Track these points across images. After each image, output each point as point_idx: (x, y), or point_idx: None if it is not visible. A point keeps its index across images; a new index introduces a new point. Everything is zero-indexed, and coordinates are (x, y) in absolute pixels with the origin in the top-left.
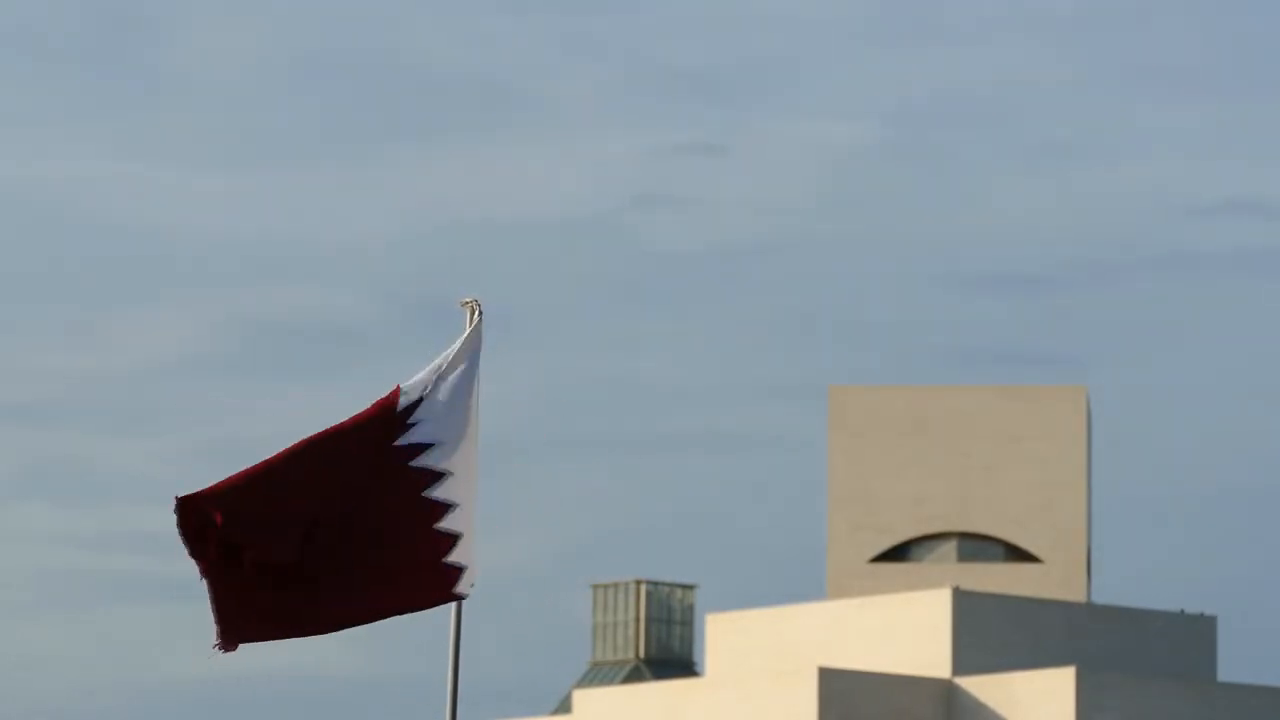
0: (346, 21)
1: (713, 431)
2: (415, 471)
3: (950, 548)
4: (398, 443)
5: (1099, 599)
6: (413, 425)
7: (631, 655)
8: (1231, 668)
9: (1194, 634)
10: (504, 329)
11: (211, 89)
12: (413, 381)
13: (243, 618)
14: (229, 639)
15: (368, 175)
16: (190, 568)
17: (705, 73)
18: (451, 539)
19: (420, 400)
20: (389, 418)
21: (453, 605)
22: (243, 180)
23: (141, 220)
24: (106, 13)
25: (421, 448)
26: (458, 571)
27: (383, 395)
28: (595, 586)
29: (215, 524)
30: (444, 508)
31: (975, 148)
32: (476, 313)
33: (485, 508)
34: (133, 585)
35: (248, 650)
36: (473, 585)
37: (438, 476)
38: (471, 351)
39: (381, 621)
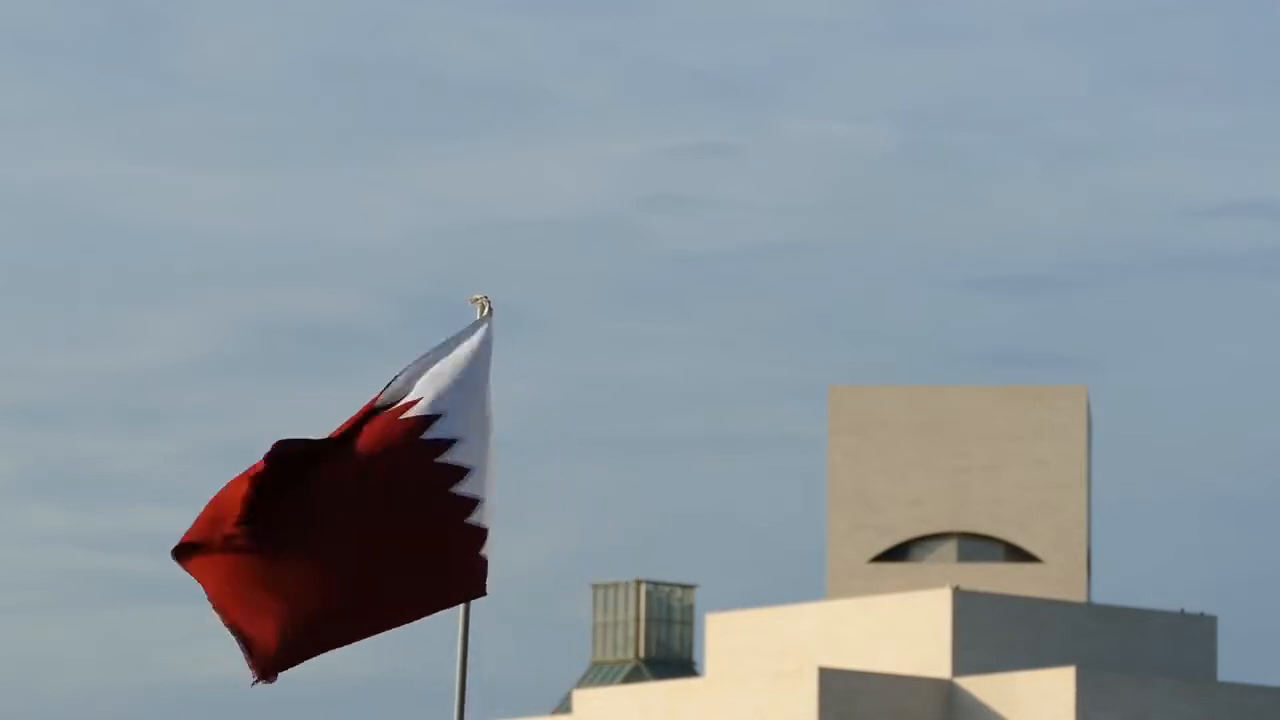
0: (358, 24)
1: (714, 432)
2: (443, 467)
3: (950, 548)
4: (425, 436)
5: (1099, 599)
6: (436, 418)
7: (631, 655)
8: (1231, 668)
9: (1194, 634)
10: (513, 329)
11: (224, 91)
12: (424, 377)
13: (275, 647)
14: (267, 671)
15: (379, 176)
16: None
17: (717, 74)
18: (481, 533)
19: (437, 394)
20: (407, 411)
21: (460, 605)
22: (253, 182)
23: (152, 221)
24: (118, 14)
25: (447, 443)
26: (486, 565)
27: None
28: (595, 586)
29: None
30: (472, 502)
31: (985, 150)
32: (487, 309)
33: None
34: (140, 586)
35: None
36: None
37: (464, 471)
38: (484, 347)
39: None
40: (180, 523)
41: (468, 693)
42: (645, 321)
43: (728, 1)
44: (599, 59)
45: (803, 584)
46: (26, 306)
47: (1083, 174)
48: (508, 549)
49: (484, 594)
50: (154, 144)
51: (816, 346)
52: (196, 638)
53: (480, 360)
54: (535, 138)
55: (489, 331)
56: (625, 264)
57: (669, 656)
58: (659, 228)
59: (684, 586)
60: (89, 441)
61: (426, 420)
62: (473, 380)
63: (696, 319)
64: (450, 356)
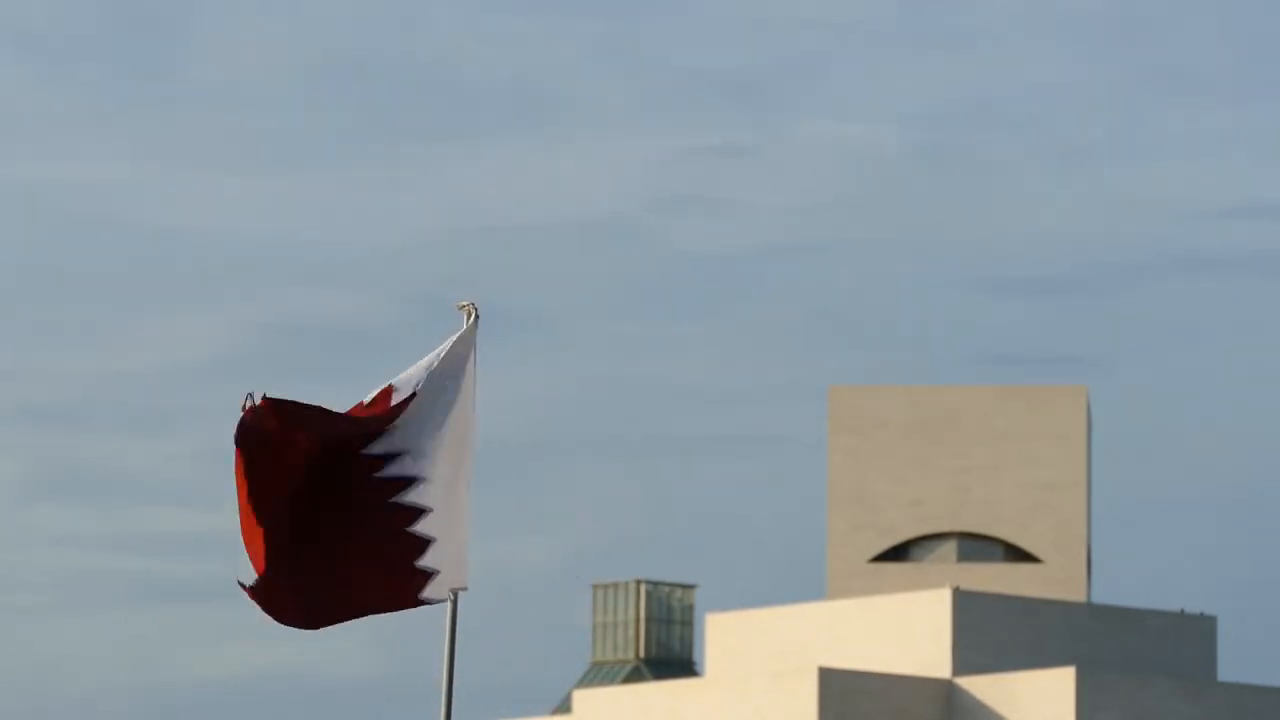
0: (369, 26)
1: (715, 432)
2: (383, 481)
3: (950, 548)
4: (366, 451)
5: (1099, 599)
6: (383, 434)
7: (631, 655)
8: (1231, 668)
9: (1194, 634)
10: (518, 330)
11: (231, 92)
12: (403, 377)
13: (267, 584)
14: (255, 591)
15: (390, 178)
16: (198, 570)
17: (732, 76)
18: (424, 542)
19: (409, 400)
20: (375, 420)
21: (448, 605)
22: (265, 183)
23: (157, 222)
24: (127, 15)
25: (389, 457)
26: (425, 576)
27: (379, 393)
28: (595, 586)
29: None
30: (415, 512)
31: (997, 152)
32: (473, 316)
33: (487, 508)
34: (149, 587)
35: (251, 650)
36: (456, 590)
37: (409, 482)
38: (462, 355)
39: (378, 620)
40: (186, 523)
41: (463, 691)
42: (647, 322)
43: (741, 3)
44: (611, 60)
45: (803, 584)
46: (33, 307)
47: (1087, 175)
48: (509, 549)
49: (423, 604)
50: (159, 145)
51: (816, 346)
52: (202, 638)
53: (453, 368)
54: (546, 139)
55: (471, 339)
56: (634, 265)
57: (669, 656)
58: (669, 229)
59: (684, 586)
60: (96, 443)
61: (376, 434)
62: (437, 390)
63: (697, 320)
64: (424, 361)
